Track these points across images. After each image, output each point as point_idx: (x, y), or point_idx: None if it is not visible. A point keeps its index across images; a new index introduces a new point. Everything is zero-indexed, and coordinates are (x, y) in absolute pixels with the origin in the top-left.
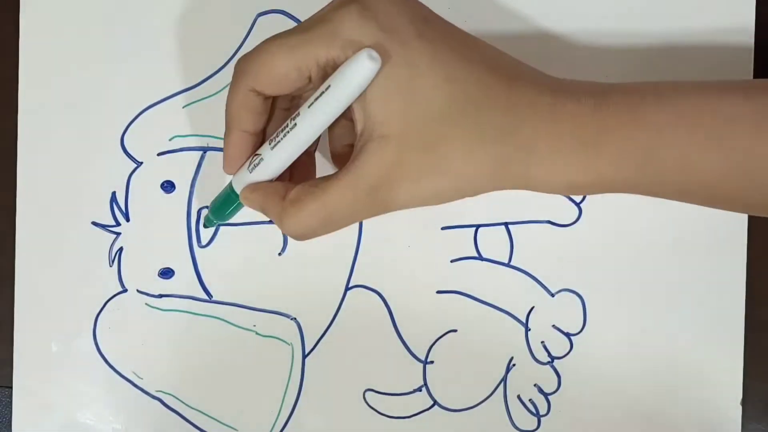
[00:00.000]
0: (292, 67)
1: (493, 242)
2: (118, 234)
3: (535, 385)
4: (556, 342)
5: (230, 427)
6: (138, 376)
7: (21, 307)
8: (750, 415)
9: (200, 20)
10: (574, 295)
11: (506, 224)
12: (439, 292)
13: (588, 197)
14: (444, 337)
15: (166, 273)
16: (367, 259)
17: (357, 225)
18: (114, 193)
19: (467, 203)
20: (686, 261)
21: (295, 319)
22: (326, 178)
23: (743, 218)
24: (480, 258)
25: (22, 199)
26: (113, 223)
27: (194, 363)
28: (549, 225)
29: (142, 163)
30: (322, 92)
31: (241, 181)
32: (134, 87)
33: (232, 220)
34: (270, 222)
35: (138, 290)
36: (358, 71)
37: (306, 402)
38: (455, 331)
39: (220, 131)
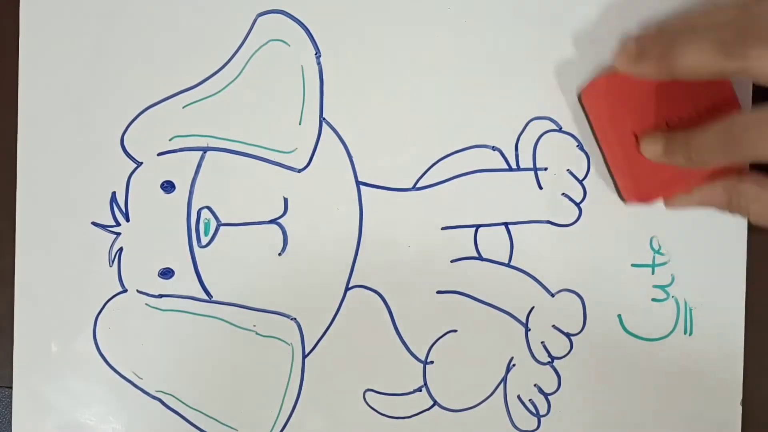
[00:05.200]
0: None
1: (493, 242)
2: (118, 234)
3: (535, 385)
4: (556, 342)
5: (230, 427)
6: (138, 376)
7: (21, 307)
8: (750, 415)
9: (200, 20)
10: (574, 295)
11: (506, 224)
12: (439, 292)
13: (588, 197)
14: (444, 337)
15: (166, 273)
16: (367, 259)
17: (357, 225)
18: (114, 193)
19: (467, 203)
20: (686, 261)
21: (295, 319)
22: None
23: (743, 218)
24: (480, 258)
25: (22, 199)
26: (113, 223)
27: (194, 363)
28: (549, 225)
29: (142, 163)
30: None
31: None
32: (134, 87)
33: (231, 220)
34: (270, 222)
35: (138, 290)
36: None
37: (306, 402)
38: (455, 331)
39: (220, 131)
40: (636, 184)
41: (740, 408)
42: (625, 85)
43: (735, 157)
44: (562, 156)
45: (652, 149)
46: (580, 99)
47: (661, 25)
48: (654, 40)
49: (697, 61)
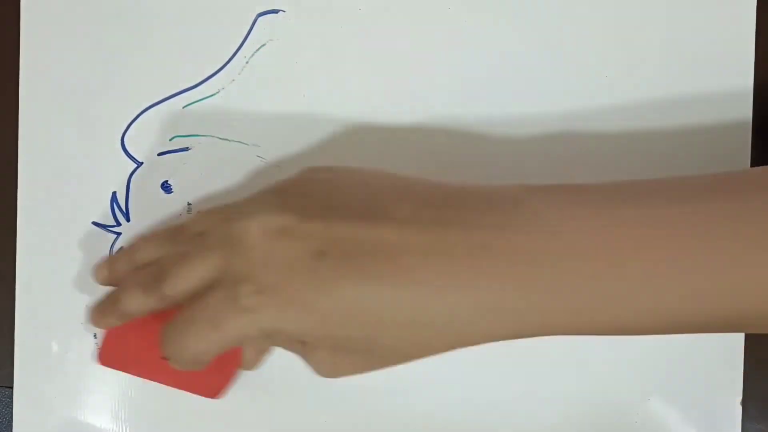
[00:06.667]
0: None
1: None
2: (118, 234)
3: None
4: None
5: None
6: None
7: (21, 307)
8: (750, 415)
9: (200, 20)
10: None
11: None
12: None
13: None
14: None
15: None
16: None
17: None
18: (114, 193)
19: None
20: None
21: None
22: None
23: None
24: None
25: (22, 199)
26: (113, 223)
27: None
28: None
29: (142, 163)
30: None
31: None
32: (134, 87)
33: None
34: None
35: None
36: None
37: None
38: None
39: (221, 131)
40: (204, 388)
41: (740, 408)
42: (124, 328)
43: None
44: None
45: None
46: (100, 363)
47: (113, 262)
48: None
49: (134, 304)
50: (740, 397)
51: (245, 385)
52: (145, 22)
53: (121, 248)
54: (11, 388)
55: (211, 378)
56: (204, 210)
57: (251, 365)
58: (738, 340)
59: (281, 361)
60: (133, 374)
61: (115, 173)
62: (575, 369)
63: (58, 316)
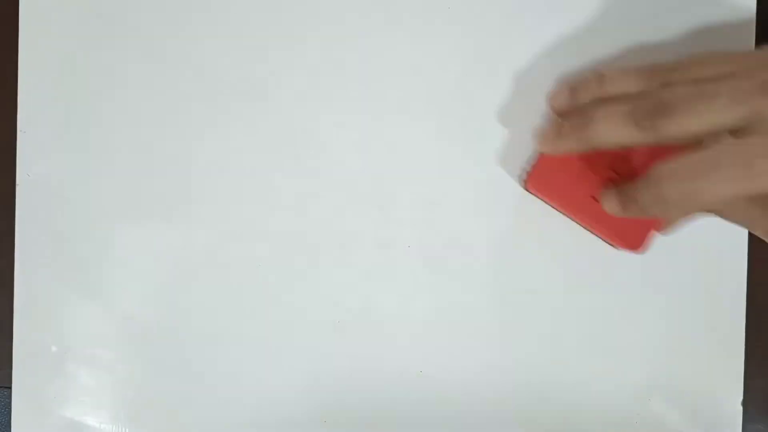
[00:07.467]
0: None
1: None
2: None
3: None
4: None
5: None
6: (139, 377)
7: (21, 307)
8: (751, 415)
9: (199, 19)
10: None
11: None
12: None
13: None
14: None
15: None
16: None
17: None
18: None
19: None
20: (687, 261)
21: None
22: None
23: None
24: None
25: (22, 199)
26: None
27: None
28: None
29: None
30: None
31: None
32: (132, 86)
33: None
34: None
35: None
36: None
37: None
38: None
39: None
40: (625, 238)
41: (741, 408)
42: (561, 158)
43: (671, 213)
44: None
45: (611, 208)
46: (526, 188)
47: (575, 90)
48: (569, 117)
49: (611, 134)
50: (741, 398)
51: (246, 386)
52: (145, 21)
53: (583, 77)
54: (10, 388)
55: (630, 230)
56: (692, 56)
57: (671, 228)
58: (739, 340)
59: (282, 369)
60: (557, 206)
61: (114, 173)
62: (575, 369)
63: (57, 316)
